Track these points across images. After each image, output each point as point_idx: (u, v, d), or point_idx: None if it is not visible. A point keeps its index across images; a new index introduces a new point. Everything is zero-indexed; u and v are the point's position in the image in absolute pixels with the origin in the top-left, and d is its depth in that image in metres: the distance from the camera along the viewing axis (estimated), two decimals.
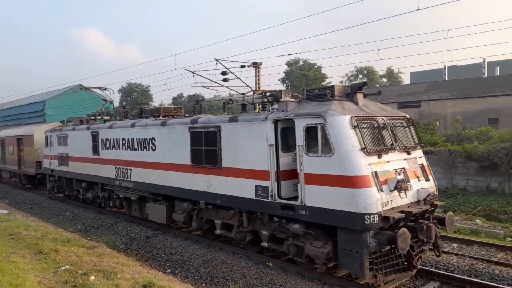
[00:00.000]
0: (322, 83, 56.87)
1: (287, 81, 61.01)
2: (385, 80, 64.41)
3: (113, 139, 14.95)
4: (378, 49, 20.16)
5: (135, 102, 67.59)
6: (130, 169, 14.00)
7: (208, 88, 23.52)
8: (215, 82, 22.81)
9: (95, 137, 16.11)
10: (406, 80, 66.50)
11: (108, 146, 15.31)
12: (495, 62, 53.65)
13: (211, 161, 10.49)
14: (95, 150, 16.09)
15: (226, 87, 23.37)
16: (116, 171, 14.81)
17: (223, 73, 22.35)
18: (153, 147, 12.76)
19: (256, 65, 21.88)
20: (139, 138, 13.43)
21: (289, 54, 26.64)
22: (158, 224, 13.73)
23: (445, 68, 58.56)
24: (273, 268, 9.52)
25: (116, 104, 70.48)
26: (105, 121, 18.37)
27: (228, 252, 10.89)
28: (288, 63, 59.58)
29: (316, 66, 56.95)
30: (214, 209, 10.96)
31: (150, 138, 12.89)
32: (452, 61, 35.38)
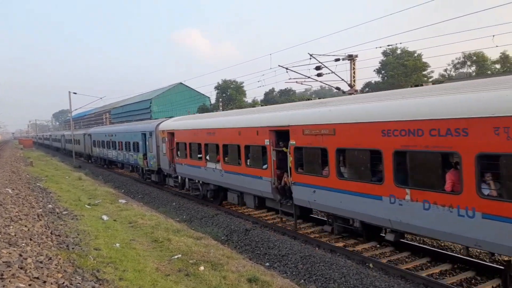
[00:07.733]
0: (423, 73, 53.03)
1: (383, 71, 58.06)
2: (498, 66, 57.53)
3: None
4: (494, 35, 18.15)
5: (230, 98, 70.21)
6: None
7: (301, 84, 23.63)
8: (309, 77, 22.85)
9: None
10: None
11: None
12: None
13: None
14: None
15: (320, 81, 23.25)
16: None
17: (317, 68, 22.24)
18: None
19: (351, 58, 21.28)
20: None
21: (388, 45, 25.27)
22: (256, 218, 14.25)
23: None
24: (373, 269, 9.29)
25: (212, 100, 74.20)
26: None
27: (326, 250, 10.88)
28: (384, 53, 56.60)
29: (415, 55, 53.08)
30: None
31: None
32: None
